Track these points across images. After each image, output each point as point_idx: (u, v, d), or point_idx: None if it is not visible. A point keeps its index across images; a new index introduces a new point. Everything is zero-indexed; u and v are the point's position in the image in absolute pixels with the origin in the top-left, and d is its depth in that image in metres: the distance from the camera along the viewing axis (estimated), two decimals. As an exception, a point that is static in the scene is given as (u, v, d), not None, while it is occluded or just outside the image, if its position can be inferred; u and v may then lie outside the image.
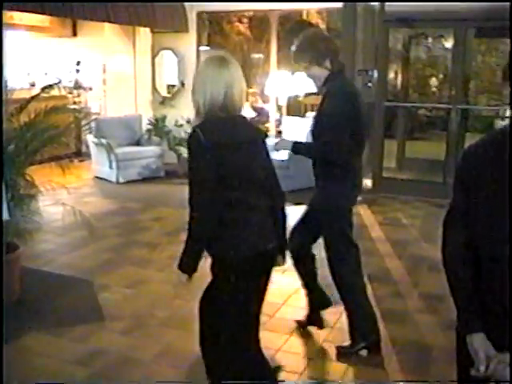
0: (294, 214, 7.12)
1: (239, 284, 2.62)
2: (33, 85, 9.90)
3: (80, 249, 5.75)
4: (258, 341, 2.90)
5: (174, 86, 9.95)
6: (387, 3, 7.71)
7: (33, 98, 4.69)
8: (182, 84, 9.72)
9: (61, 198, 5.08)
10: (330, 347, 3.88)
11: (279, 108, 9.57)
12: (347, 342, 3.79)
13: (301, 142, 3.75)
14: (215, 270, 2.70)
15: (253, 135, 2.74)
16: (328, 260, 3.85)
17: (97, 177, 9.05)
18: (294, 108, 10.74)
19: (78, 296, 4.72)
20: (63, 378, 3.46)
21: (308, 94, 10.59)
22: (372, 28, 8.35)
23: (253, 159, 2.65)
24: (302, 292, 4.70)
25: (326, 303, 4.09)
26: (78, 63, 10.27)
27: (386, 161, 8.58)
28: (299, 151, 3.68)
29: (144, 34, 9.74)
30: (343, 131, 3.43)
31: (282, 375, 3.42)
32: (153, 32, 9.76)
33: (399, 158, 9.77)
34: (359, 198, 7.40)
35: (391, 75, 11.15)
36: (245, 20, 13.17)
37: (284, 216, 2.81)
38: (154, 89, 10.04)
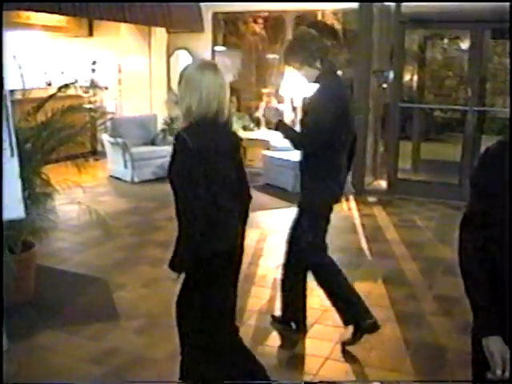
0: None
1: (211, 280, 2.76)
2: (49, 84, 9.96)
3: (95, 248, 5.78)
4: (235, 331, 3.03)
5: (189, 86, 9.96)
6: (403, 4, 7.68)
7: (50, 97, 4.72)
8: (197, 84, 9.73)
9: (76, 197, 5.11)
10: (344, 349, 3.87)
11: (294, 108, 9.54)
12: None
13: (286, 124, 3.84)
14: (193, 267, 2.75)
15: (232, 141, 2.85)
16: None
17: (112, 176, 9.09)
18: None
19: (92, 295, 4.75)
20: (78, 376, 3.48)
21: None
22: (388, 29, 8.32)
23: (231, 164, 2.78)
24: (316, 292, 4.71)
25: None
26: (94, 63, 10.33)
27: (402, 162, 8.53)
28: (280, 130, 3.72)
29: (159, 33, 9.78)
30: (323, 128, 3.50)
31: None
32: (168, 32, 9.79)
33: (415, 159, 9.71)
34: (374, 199, 7.41)
35: (407, 76, 11.10)
36: (260, 20, 13.13)
37: (247, 216, 2.96)
38: (169, 89, 10.06)
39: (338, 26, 13.25)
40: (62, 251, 5.64)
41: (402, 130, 8.55)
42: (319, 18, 12.82)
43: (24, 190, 3.95)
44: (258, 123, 10.26)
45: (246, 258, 5.46)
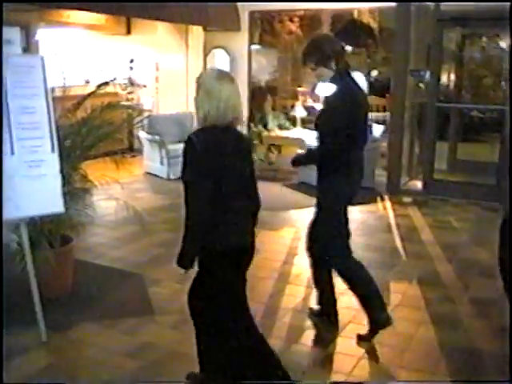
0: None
1: (226, 274, 2.95)
2: (88, 82, 10.11)
3: (131, 243, 5.86)
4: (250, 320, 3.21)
5: (225, 84, 10.00)
6: (442, 3, 7.60)
7: (89, 94, 4.79)
8: (233, 83, 9.77)
9: (113, 193, 5.18)
10: (378, 349, 3.86)
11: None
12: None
13: (299, 157, 4.16)
14: (204, 263, 2.96)
15: (242, 145, 3.00)
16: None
17: (148, 173, 9.19)
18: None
19: (128, 289, 4.81)
20: (112, 369, 3.54)
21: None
22: (425, 27, 8.24)
23: (240, 167, 2.94)
24: (351, 292, 4.71)
25: None
26: (132, 61, 10.45)
27: (438, 162, 8.44)
28: (299, 164, 4.11)
29: (197, 32, 9.85)
30: (341, 129, 3.63)
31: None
32: (205, 30, 9.85)
33: (451, 159, 9.60)
34: (409, 200, 7.36)
35: (444, 75, 10.96)
36: (296, 19, 13.12)
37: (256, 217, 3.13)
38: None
39: (374, 25, 13.18)
40: (99, 246, 5.73)
41: (438, 129, 8.44)
42: (355, 16, 12.77)
43: (63, 185, 4.03)
44: (293, 122, 10.27)
45: (281, 257, 5.53)
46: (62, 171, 3.95)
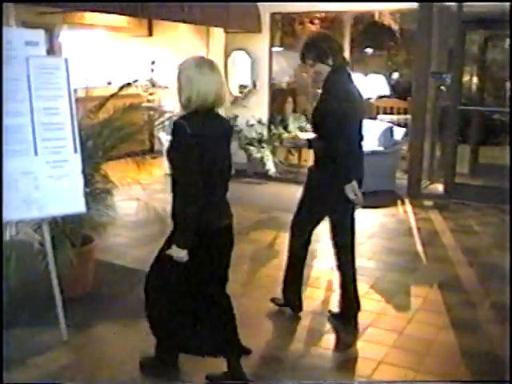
0: (362, 217, 7.07)
1: (205, 251, 3.09)
2: (109, 83, 10.17)
3: (151, 244, 5.84)
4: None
5: (245, 86, 10.02)
6: (465, 4, 7.54)
7: (111, 95, 4.83)
8: (254, 85, 9.78)
9: (134, 194, 5.21)
10: (398, 353, 3.83)
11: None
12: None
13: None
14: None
15: (226, 129, 3.20)
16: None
17: (168, 174, 9.15)
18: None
19: (148, 290, 4.82)
20: (130, 368, 3.55)
21: (380, 97, 10.46)
22: (447, 29, 8.18)
23: (224, 149, 3.12)
24: (370, 295, 4.68)
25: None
26: (153, 62, 10.50)
27: (459, 166, 8.38)
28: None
29: (218, 34, 9.86)
30: (335, 123, 3.79)
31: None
32: (226, 32, 9.86)
33: (472, 163, 9.51)
34: (430, 203, 7.31)
35: (465, 78, 10.87)
36: (316, 21, 13.09)
37: None
38: (226, 88, 10.14)
39: (395, 27, 13.10)
40: (120, 246, 5.77)
41: (460, 133, 8.38)
42: (377, 18, 12.71)
43: (85, 185, 4.06)
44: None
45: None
46: (83, 172, 3.99)
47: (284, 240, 5.32)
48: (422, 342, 3.99)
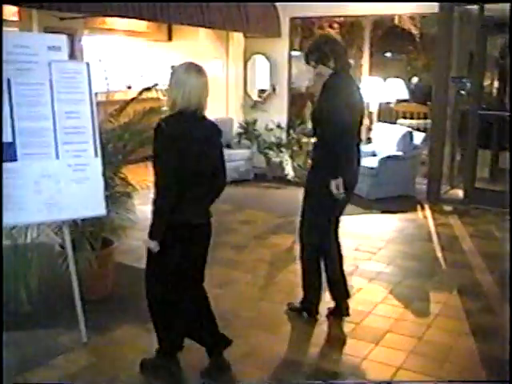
0: (381, 222, 7.04)
1: (176, 248, 3.26)
2: (129, 87, 10.26)
3: (170, 247, 5.89)
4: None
5: (265, 90, 10.03)
6: (486, 7, 7.48)
7: (132, 99, 4.86)
8: (274, 89, 9.79)
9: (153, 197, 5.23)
10: (417, 359, 3.82)
11: (369, 114, 9.46)
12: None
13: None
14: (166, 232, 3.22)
15: (209, 132, 3.29)
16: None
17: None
18: (385, 114, 10.61)
19: (167, 293, 4.84)
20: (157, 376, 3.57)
21: (400, 101, 10.42)
22: (468, 33, 8.12)
23: (204, 152, 3.19)
24: (389, 301, 4.67)
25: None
26: (173, 67, 10.55)
27: (479, 171, 8.31)
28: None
29: (237, 38, 9.89)
30: (332, 124, 3.88)
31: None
32: (245, 37, 9.89)
33: (493, 168, 9.42)
34: (450, 208, 7.26)
35: (486, 82, 10.80)
36: (335, 25, 13.09)
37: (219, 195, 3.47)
38: (246, 93, 10.16)
39: (415, 31, 13.04)
40: (139, 249, 5.71)
41: (480, 138, 8.31)
42: (396, 22, 12.67)
43: (105, 189, 4.10)
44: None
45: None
46: (104, 175, 4.02)
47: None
48: (441, 348, 3.97)
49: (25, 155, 3.69)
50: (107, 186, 4.28)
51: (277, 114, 9.67)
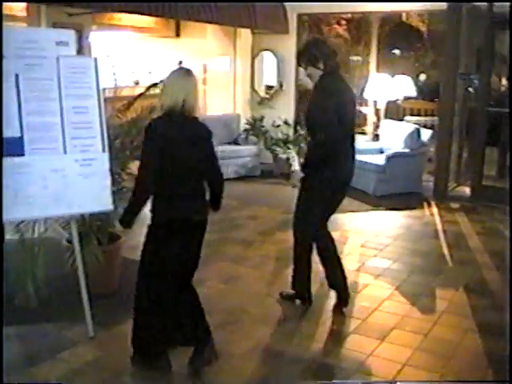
0: (388, 219, 7.03)
1: (165, 242, 3.36)
2: (137, 83, 10.27)
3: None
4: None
5: (272, 87, 10.03)
6: (495, 4, 7.45)
7: (139, 95, 4.88)
8: (281, 85, 9.79)
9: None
10: (422, 356, 3.82)
11: (377, 111, 9.44)
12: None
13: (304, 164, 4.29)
14: (151, 228, 3.40)
15: (198, 133, 3.38)
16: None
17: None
18: (392, 111, 10.59)
19: (173, 288, 4.86)
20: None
21: (407, 98, 10.39)
22: (476, 30, 8.09)
23: (192, 151, 3.29)
24: (395, 297, 4.67)
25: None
26: (180, 63, 10.52)
27: (487, 168, 8.28)
28: (309, 169, 4.22)
29: (245, 35, 9.89)
30: (324, 124, 4.05)
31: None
32: (253, 33, 9.88)
33: (500, 165, 9.40)
34: (457, 206, 7.24)
35: (494, 79, 10.74)
36: (343, 22, 13.07)
37: (220, 196, 3.60)
38: (253, 89, 10.16)
39: (423, 28, 13.02)
40: (146, 245, 5.80)
41: (487, 135, 8.28)
42: (404, 19, 12.64)
43: (112, 184, 4.11)
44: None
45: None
46: (111, 170, 4.04)
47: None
48: (447, 345, 3.97)
49: (33, 150, 3.71)
50: (114, 182, 4.29)
51: (284, 110, 9.67)
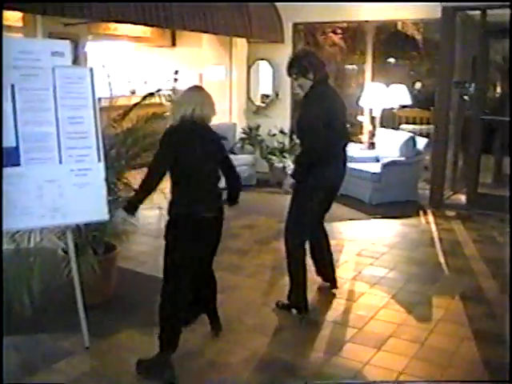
0: (384, 227, 7.04)
1: (181, 237, 3.66)
2: (133, 92, 10.30)
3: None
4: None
5: (268, 96, 10.05)
6: (489, 13, 7.49)
7: (135, 105, 4.88)
8: (277, 94, 9.82)
9: (157, 202, 5.24)
10: (419, 364, 3.82)
11: (372, 120, 9.47)
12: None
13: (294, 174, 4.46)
14: (169, 226, 3.68)
15: (207, 137, 3.73)
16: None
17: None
18: (388, 120, 10.63)
19: (169, 298, 4.85)
20: (151, 376, 3.57)
21: (403, 107, 10.42)
22: (471, 39, 8.13)
23: (205, 155, 3.63)
24: (391, 306, 4.68)
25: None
26: (176, 72, 10.59)
27: (482, 176, 8.31)
28: (298, 176, 4.37)
29: (240, 44, 9.92)
30: (314, 132, 4.19)
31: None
32: (249, 42, 9.92)
33: (496, 173, 9.43)
34: (452, 214, 7.28)
35: (489, 87, 10.80)
36: (338, 31, 13.12)
37: (239, 191, 4.11)
38: (249, 98, 10.18)
39: (418, 37, 13.06)
40: (142, 254, 5.81)
41: (483, 143, 8.31)
42: (399, 28, 12.68)
43: (108, 193, 4.11)
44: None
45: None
46: (107, 180, 4.04)
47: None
48: (444, 354, 3.97)
49: (28, 160, 3.71)
50: (110, 191, 4.29)
51: (280, 119, 9.69)
